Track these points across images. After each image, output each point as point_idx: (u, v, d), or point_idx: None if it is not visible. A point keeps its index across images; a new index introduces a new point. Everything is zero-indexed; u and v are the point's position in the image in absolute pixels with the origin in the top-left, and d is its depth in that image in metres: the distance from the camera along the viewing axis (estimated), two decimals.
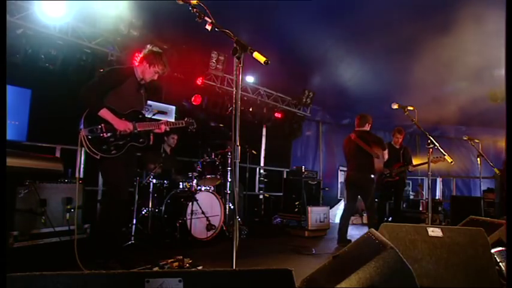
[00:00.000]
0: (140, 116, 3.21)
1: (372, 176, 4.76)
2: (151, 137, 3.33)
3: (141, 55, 3.19)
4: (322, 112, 9.41)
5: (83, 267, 2.61)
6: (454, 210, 6.64)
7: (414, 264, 2.04)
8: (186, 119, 3.56)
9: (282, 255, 4.19)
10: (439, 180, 8.96)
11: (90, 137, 2.87)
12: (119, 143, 3.00)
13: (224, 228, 4.86)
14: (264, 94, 7.66)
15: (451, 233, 2.25)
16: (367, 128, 4.97)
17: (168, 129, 3.35)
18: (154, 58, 3.15)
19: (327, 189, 7.49)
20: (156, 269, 2.76)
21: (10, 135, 4.22)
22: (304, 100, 7.96)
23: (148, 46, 3.26)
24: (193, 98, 6.32)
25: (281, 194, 6.95)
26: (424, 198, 8.77)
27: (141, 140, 3.18)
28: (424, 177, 8.89)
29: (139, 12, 4.89)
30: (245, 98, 7.30)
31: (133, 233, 4.02)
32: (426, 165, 4.53)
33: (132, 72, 3.16)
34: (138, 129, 3.11)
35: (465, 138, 5.92)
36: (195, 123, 3.63)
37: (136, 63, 3.21)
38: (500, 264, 2.31)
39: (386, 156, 4.94)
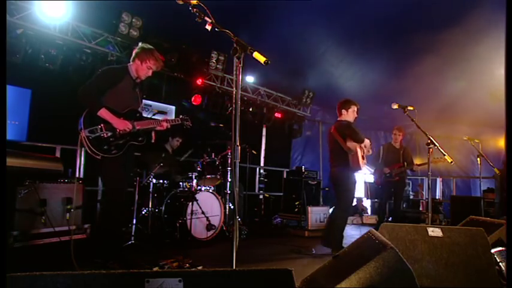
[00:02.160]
0: (138, 115, 3.22)
1: (347, 171, 4.23)
2: (154, 135, 3.33)
3: (133, 54, 3.19)
4: (322, 112, 9.42)
5: (78, 267, 2.61)
6: (454, 210, 6.64)
7: (414, 264, 2.04)
8: (180, 116, 3.58)
9: (282, 255, 4.19)
10: (439, 180, 8.95)
11: (90, 137, 2.88)
12: (119, 142, 3.01)
13: (224, 228, 4.86)
14: (264, 94, 7.66)
15: (451, 233, 2.25)
16: (345, 116, 4.35)
17: (169, 126, 3.36)
18: (144, 54, 3.14)
19: (327, 189, 7.49)
20: (156, 269, 2.76)
21: (10, 135, 4.22)
22: (304, 100, 7.97)
23: (139, 44, 3.27)
24: (193, 98, 6.32)
25: (281, 194, 6.96)
26: (424, 198, 8.77)
27: (140, 138, 3.18)
28: (424, 177, 8.88)
29: (139, 12, 4.89)
30: (245, 98, 7.30)
31: (133, 233, 4.02)
32: (426, 165, 4.52)
33: (127, 71, 3.16)
34: (137, 128, 3.11)
35: (465, 138, 5.92)
36: (192, 120, 3.64)
37: (131, 62, 3.21)
38: (500, 264, 2.31)
39: (361, 152, 4.26)
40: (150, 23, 5.03)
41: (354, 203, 9.07)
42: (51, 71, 4.70)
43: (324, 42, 5.81)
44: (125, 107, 3.11)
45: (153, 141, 3.33)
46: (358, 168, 4.23)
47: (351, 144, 4.22)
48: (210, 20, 2.11)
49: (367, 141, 4.36)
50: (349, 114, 4.36)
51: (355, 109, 4.39)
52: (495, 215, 5.86)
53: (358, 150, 4.23)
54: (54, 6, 4.39)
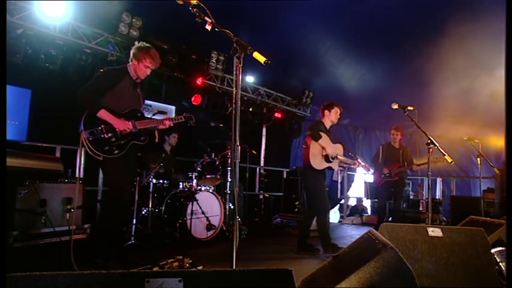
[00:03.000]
0: (139, 115, 3.22)
1: (307, 171, 4.24)
2: (157, 134, 3.34)
3: (131, 54, 3.19)
4: None
5: (77, 268, 2.62)
6: (454, 210, 6.64)
7: (414, 264, 2.04)
8: (184, 114, 3.57)
9: (282, 255, 4.19)
10: (439, 180, 8.95)
11: (91, 138, 2.88)
12: (120, 142, 3.01)
13: (224, 228, 4.86)
14: (264, 94, 7.66)
15: (451, 233, 2.25)
16: (327, 117, 4.50)
17: (172, 124, 3.36)
18: (141, 53, 3.13)
19: (326, 189, 7.48)
20: (156, 269, 2.76)
21: (10, 135, 4.22)
22: (304, 100, 7.96)
23: (136, 43, 3.26)
24: (193, 98, 6.32)
25: (281, 194, 6.96)
26: (424, 198, 8.77)
27: (142, 138, 3.19)
28: (424, 177, 8.89)
29: (139, 12, 4.89)
30: (245, 98, 7.29)
31: (133, 233, 4.03)
32: (426, 165, 4.51)
33: (126, 72, 3.16)
34: (139, 127, 3.11)
35: (465, 138, 5.92)
36: (194, 118, 3.64)
37: (129, 63, 3.21)
38: (500, 264, 2.31)
39: (321, 151, 4.22)
40: (150, 23, 5.03)
41: (354, 203, 9.10)
42: (51, 71, 4.70)
43: (324, 42, 5.81)
44: (125, 107, 3.11)
45: (156, 140, 3.33)
46: (309, 164, 4.13)
47: (308, 139, 4.28)
48: (210, 20, 2.11)
49: (336, 150, 4.36)
50: (332, 115, 4.46)
51: (338, 111, 4.47)
52: (495, 215, 5.85)
53: (313, 146, 4.18)
54: (54, 6, 4.38)
